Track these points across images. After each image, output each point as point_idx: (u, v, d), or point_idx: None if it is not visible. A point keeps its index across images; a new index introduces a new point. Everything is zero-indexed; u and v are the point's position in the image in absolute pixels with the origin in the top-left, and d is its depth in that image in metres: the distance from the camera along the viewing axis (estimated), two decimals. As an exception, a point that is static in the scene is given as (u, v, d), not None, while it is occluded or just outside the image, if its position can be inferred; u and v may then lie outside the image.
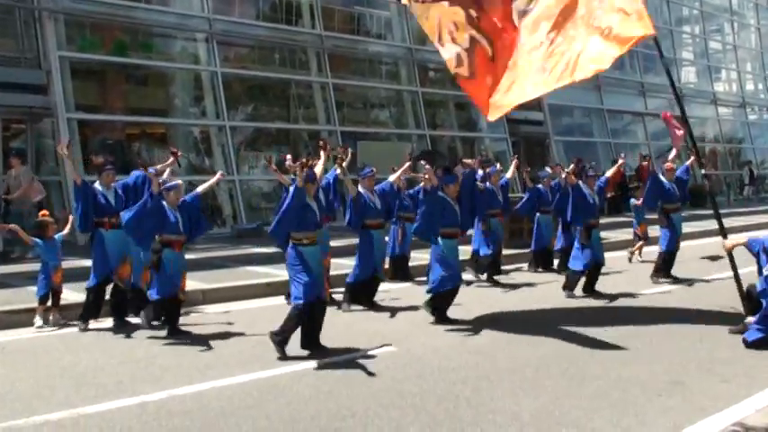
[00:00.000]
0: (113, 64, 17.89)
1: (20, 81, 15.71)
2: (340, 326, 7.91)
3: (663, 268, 12.20)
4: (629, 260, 14.52)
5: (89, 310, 9.07)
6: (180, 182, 9.00)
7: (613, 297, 10.88)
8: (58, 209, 14.87)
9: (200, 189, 9.36)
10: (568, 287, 10.99)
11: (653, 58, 32.59)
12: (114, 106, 18.11)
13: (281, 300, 10.16)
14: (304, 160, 7.91)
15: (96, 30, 17.97)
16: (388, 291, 11.01)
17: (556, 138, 26.64)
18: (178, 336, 8.44)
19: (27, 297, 9.75)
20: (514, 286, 12.10)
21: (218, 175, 9.80)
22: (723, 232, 9.02)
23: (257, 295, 10.88)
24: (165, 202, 8.52)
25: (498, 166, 13.59)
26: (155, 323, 8.94)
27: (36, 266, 11.27)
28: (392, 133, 23.40)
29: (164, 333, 8.54)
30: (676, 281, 12.07)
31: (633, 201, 14.87)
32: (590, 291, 11.07)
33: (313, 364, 7.19)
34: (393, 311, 9.90)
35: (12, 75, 15.66)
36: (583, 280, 11.04)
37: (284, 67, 21.33)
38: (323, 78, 20.95)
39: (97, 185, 9.42)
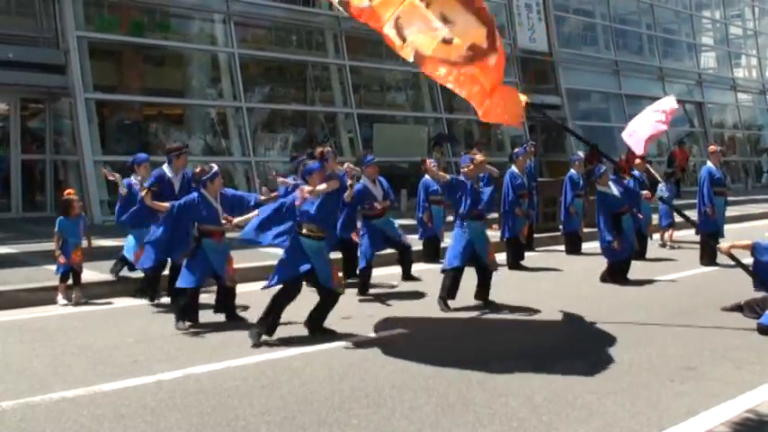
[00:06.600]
0: (131, 44, 17.96)
1: (38, 60, 15.80)
2: (353, 309, 7.93)
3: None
4: (663, 246, 14.51)
5: (148, 290, 9.34)
6: (216, 167, 8.39)
7: (631, 282, 10.88)
8: (75, 189, 14.92)
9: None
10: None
11: (672, 42, 32.41)
12: (132, 86, 18.19)
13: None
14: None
15: (114, 9, 18.07)
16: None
17: (573, 122, 26.51)
18: (236, 321, 8.26)
19: (45, 275, 9.83)
20: (535, 270, 12.14)
21: None
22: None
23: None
24: (204, 192, 8.11)
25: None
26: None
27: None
28: (409, 116, 23.35)
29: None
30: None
31: (662, 187, 13.89)
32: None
33: (327, 346, 7.23)
34: (407, 294, 9.95)
35: (30, 54, 15.74)
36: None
37: (301, 48, 21.34)
38: (340, 60, 20.91)
39: (166, 169, 9.25)
